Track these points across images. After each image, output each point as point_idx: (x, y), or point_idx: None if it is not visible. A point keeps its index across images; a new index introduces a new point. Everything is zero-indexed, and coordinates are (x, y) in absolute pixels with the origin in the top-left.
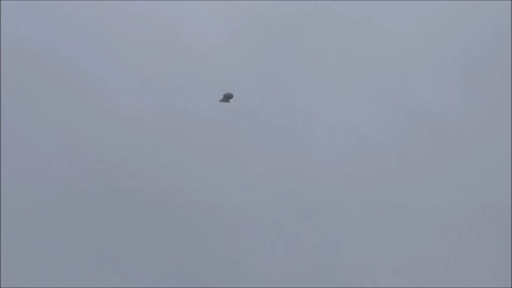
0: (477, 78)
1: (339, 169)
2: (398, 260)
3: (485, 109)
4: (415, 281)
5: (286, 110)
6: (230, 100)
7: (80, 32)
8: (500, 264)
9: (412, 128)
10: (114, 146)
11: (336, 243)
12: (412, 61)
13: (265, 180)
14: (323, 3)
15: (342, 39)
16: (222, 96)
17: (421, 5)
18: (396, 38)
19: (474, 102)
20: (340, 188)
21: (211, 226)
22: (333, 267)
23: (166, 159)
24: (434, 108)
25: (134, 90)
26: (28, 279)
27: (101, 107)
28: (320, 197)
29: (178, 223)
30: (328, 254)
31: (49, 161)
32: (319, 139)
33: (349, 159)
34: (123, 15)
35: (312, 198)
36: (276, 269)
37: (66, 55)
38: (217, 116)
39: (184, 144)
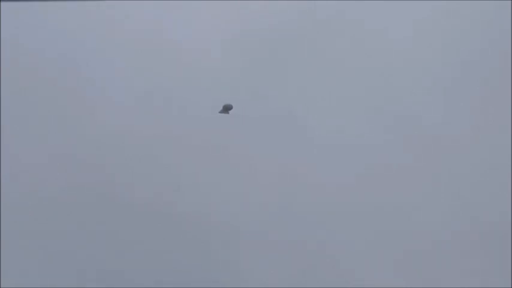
0: (474, 90)
1: (337, 178)
2: (396, 262)
3: (484, 120)
4: (414, 282)
5: (284, 119)
6: (230, 111)
7: (79, 35)
8: (500, 265)
9: (409, 138)
10: (113, 155)
11: (335, 248)
12: (410, 74)
13: (264, 188)
14: (323, 15)
15: (341, 51)
16: (221, 107)
17: (416, 12)
18: (392, 53)
19: (470, 112)
20: (339, 196)
21: (211, 235)
22: (332, 272)
23: (162, 167)
24: (430, 118)
25: (133, 98)
26: (28, 279)
27: (100, 114)
28: (319, 205)
29: (177, 232)
30: (326, 259)
31: (47, 164)
32: (317, 149)
33: (348, 169)
34: (121, 22)
35: (310, 205)
36: (277, 273)
37: (63, 61)
38: (215, 123)
39: (183, 152)
